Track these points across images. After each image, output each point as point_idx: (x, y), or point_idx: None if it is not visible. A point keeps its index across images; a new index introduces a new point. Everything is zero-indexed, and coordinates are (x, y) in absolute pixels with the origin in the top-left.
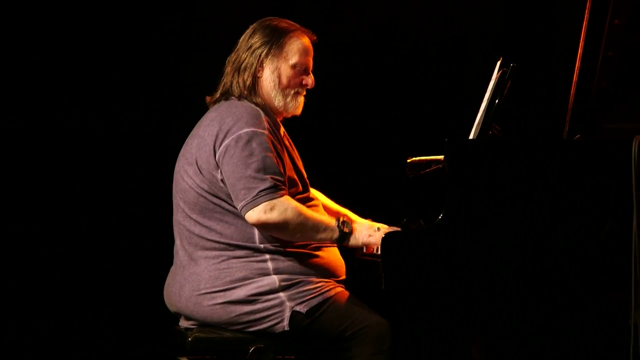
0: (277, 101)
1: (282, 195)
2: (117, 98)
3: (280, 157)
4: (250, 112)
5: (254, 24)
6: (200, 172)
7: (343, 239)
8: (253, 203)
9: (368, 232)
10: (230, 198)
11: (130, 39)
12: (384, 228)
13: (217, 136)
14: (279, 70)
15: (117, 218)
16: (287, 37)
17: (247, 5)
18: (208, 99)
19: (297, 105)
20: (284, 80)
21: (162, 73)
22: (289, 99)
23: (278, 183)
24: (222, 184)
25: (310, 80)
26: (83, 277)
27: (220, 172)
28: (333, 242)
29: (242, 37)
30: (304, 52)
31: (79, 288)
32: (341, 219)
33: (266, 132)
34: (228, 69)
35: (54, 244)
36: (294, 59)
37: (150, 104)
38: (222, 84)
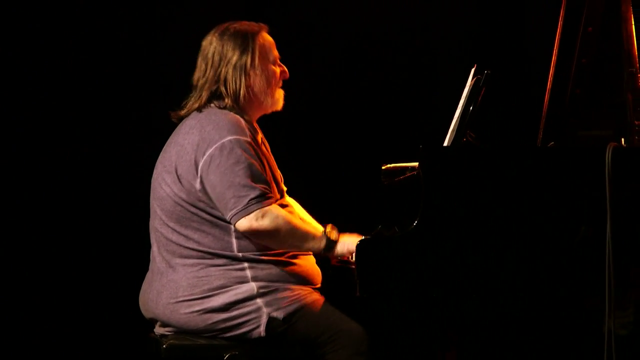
0: (267, 100)
1: (271, 204)
2: (93, 103)
3: (262, 163)
4: (231, 120)
5: (213, 37)
6: (180, 181)
7: (330, 247)
8: (245, 211)
9: (353, 242)
10: (209, 207)
11: (106, 44)
12: None
13: (198, 145)
14: (266, 72)
15: (91, 223)
16: (257, 37)
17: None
18: (173, 114)
19: (281, 99)
20: (270, 79)
21: (138, 78)
22: (276, 94)
23: (266, 191)
24: (200, 194)
25: (286, 70)
26: (56, 283)
27: (201, 181)
28: (320, 250)
29: (207, 51)
30: (272, 45)
31: (52, 294)
32: (328, 228)
33: (248, 139)
34: (202, 84)
35: (26, 249)
36: (271, 56)
37: (128, 110)
38: (194, 101)
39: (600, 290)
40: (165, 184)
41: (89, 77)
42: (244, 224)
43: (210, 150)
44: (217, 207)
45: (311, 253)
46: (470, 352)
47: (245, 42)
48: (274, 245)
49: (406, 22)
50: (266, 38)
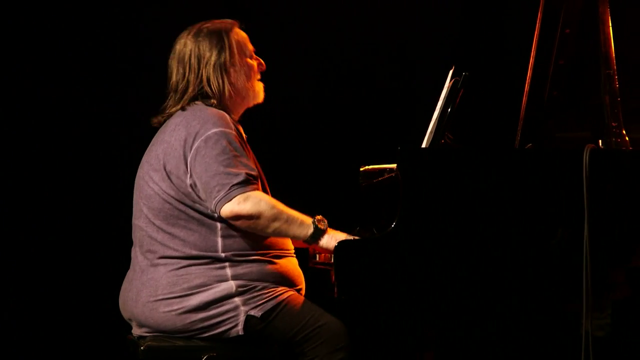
0: (249, 94)
1: (255, 189)
2: (72, 104)
3: (247, 157)
4: (216, 114)
5: (187, 39)
6: (169, 178)
7: (317, 236)
8: (227, 197)
9: (342, 238)
10: (197, 204)
11: (88, 43)
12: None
13: (185, 141)
14: (242, 66)
15: (71, 223)
16: (231, 33)
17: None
18: (154, 119)
19: (261, 91)
20: (249, 73)
21: (119, 79)
22: (256, 87)
23: (250, 177)
24: (190, 189)
25: (262, 61)
26: (34, 283)
27: (190, 177)
28: (307, 237)
29: (183, 54)
30: (247, 39)
31: (30, 294)
32: (317, 217)
33: (233, 132)
34: (182, 88)
35: (4, 248)
36: (247, 50)
37: (109, 110)
38: (175, 103)
39: (578, 292)
40: (153, 182)
41: (68, 78)
42: (227, 209)
43: (196, 144)
44: (205, 199)
45: (294, 255)
46: (448, 352)
47: (220, 40)
48: (258, 231)
49: (385, 24)
50: (240, 33)
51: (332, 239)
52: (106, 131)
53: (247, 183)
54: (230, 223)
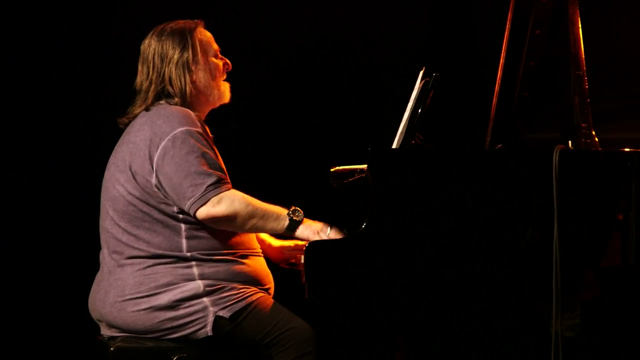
0: (214, 93)
1: (228, 189)
2: (40, 106)
3: (215, 154)
4: (181, 112)
5: (151, 39)
6: (134, 179)
7: (293, 227)
8: (202, 199)
9: (317, 228)
10: (162, 204)
11: (54, 45)
12: (335, 231)
13: (151, 140)
14: (207, 65)
15: (40, 225)
16: (195, 32)
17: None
18: (120, 120)
19: (227, 91)
20: (214, 72)
21: (88, 79)
22: (221, 87)
23: (222, 177)
24: (156, 189)
25: (228, 61)
26: (1, 285)
27: (156, 176)
28: (283, 230)
29: (147, 54)
30: (211, 39)
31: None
32: (292, 208)
33: (200, 129)
34: (146, 87)
35: None
36: (211, 49)
37: (76, 112)
38: (140, 103)
39: (548, 292)
40: (119, 183)
41: (36, 80)
42: (203, 211)
43: (163, 143)
44: (173, 200)
45: (262, 254)
46: (418, 352)
47: (183, 39)
48: (236, 229)
49: (355, 25)
50: (204, 33)
51: (307, 229)
52: (75, 133)
53: (220, 183)
54: (195, 225)
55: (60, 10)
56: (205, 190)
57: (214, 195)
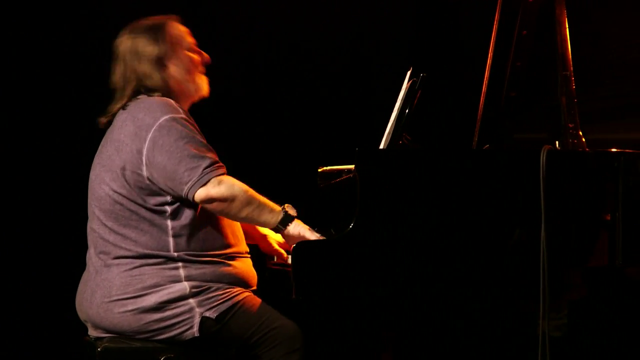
0: (190, 87)
1: (224, 172)
2: (26, 106)
3: (202, 136)
4: (160, 102)
5: (124, 36)
6: (123, 176)
7: (286, 221)
8: (201, 181)
9: (307, 227)
10: (151, 197)
11: (41, 44)
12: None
13: (136, 134)
14: (181, 59)
15: (28, 226)
16: (167, 27)
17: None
18: (100, 120)
19: (204, 84)
20: (189, 65)
21: (73, 79)
22: (197, 80)
23: (215, 158)
24: (148, 182)
25: (205, 55)
26: None
27: (147, 169)
28: (276, 223)
29: (121, 51)
30: (186, 33)
31: None
32: (286, 205)
33: (183, 115)
34: (122, 85)
35: None
36: (185, 43)
37: (61, 113)
38: (118, 101)
39: (535, 292)
40: (104, 183)
41: (19, 80)
42: (202, 193)
43: (150, 135)
44: (169, 189)
45: (249, 255)
46: (406, 352)
47: (156, 34)
48: (232, 216)
49: (342, 25)
50: (177, 26)
51: (297, 228)
52: (59, 133)
53: (216, 164)
54: (182, 223)
55: (44, 10)
56: (203, 172)
57: (214, 177)
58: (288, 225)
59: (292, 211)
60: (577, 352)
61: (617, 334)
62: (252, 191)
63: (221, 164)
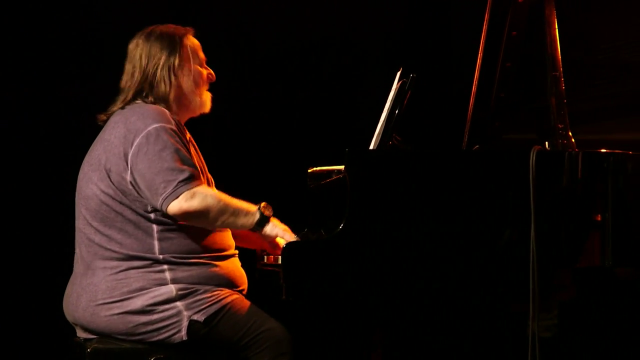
0: (196, 100)
1: (200, 184)
2: (18, 105)
3: (188, 151)
4: (155, 110)
5: (139, 39)
6: (109, 177)
7: (262, 222)
8: (174, 194)
9: (283, 227)
10: (136, 201)
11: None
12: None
13: (125, 137)
14: (192, 72)
15: (16, 225)
16: (184, 39)
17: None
18: (99, 117)
19: (208, 101)
20: (198, 80)
21: (66, 78)
22: (203, 96)
23: (195, 173)
24: (130, 187)
25: (212, 72)
26: None
27: (131, 173)
28: (253, 225)
29: (134, 54)
30: (199, 48)
31: None
32: (262, 204)
33: (173, 126)
34: (129, 86)
35: None
36: (197, 58)
37: (54, 111)
38: (120, 102)
39: (525, 293)
40: (92, 182)
41: (13, 78)
42: (174, 206)
43: (137, 140)
44: (146, 197)
45: (237, 255)
46: (396, 352)
47: (172, 43)
48: (207, 225)
49: (332, 25)
50: (193, 40)
51: (274, 229)
52: (52, 131)
53: (193, 179)
54: (167, 226)
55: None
56: (177, 185)
57: (186, 190)
58: (265, 226)
59: (267, 211)
60: (568, 352)
61: (608, 334)
62: (226, 198)
63: (199, 177)
